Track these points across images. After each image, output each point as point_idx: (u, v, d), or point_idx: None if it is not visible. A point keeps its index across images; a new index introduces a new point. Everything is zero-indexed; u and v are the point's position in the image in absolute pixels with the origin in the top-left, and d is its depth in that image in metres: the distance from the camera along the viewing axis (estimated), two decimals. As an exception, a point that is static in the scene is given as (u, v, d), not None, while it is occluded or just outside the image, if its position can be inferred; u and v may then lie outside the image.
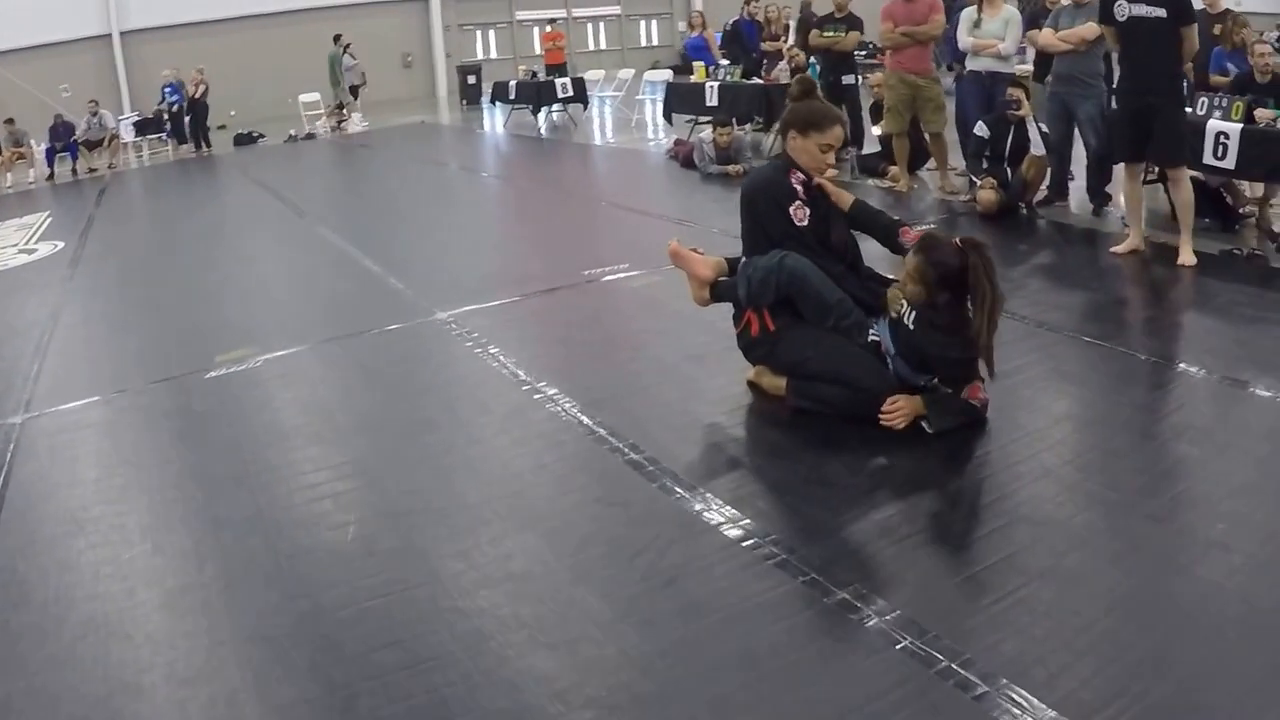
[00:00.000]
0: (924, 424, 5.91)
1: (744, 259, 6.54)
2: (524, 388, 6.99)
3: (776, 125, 13.24)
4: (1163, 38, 9.20)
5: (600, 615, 4.37)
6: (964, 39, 12.90)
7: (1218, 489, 5.23)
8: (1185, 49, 9.39)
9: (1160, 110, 9.31)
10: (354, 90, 30.75)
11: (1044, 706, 3.64)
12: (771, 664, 3.97)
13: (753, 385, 6.70)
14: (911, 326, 5.99)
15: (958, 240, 5.94)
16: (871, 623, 4.18)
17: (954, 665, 3.88)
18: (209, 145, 26.22)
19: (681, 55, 25.22)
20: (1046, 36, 11.58)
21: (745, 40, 21.95)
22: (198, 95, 26.50)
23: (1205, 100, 10.13)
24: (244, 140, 26.90)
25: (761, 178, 6.66)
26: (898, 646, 4.02)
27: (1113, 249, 9.99)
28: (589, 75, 27.26)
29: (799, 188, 6.41)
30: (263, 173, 20.52)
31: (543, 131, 24.19)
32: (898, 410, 5.92)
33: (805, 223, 6.37)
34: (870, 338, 6.15)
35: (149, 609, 4.69)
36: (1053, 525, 4.96)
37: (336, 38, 29.91)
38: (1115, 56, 10.70)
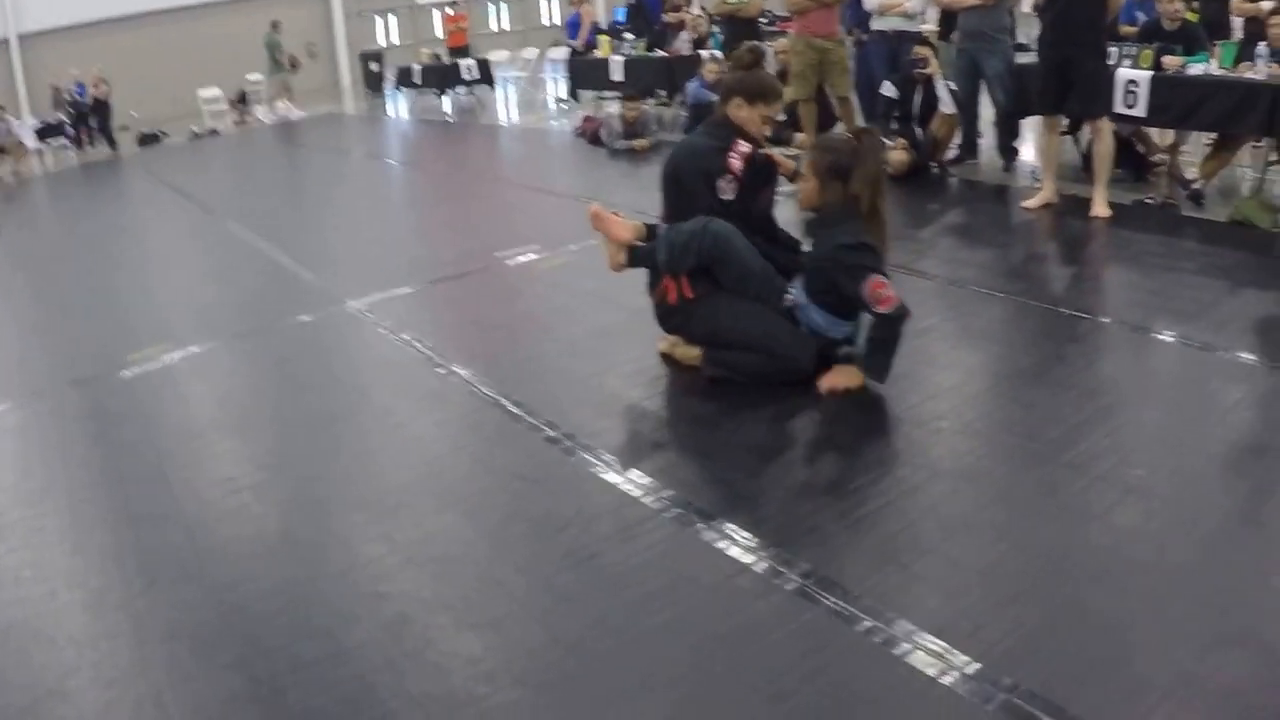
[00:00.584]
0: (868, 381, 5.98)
1: (663, 225, 6.49)
2: (439, 371, 6.95)
3: (681, 97, 13.09)
4: None
5: (525, 593, 4.35)
6: (869, -1, 12.85)
7: (1135, 437, 5.29)
8: (1112, 3, 9.50)
9: (1081, 62, 9.38)
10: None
11: (968, 659, 3.66)
12: (697, 635, 3.96)
13: (666, 356, 6.70)
14: (810, 248, 6.09)
15: (849, 132, 6.05)
16: (793, 586, 4.18)
17: (878, 624, 3.89)
18: (115, 145, 25.87)
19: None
20: (952, -8, 11.59)
21: (648, 13, 21.88)
22: (102, 96, 26.19)
23: (1115, 49, 10.17)
24: (148, 140, 26.47)
25: (693, 150, 6.54)
26: (822, 607, 4.02)
27: (1025, 203, 10.09)
28: (493, 56, 27.10)
29: (736, 160, 6.33)
30: (168, 171, 20.25)
31: (449, 115, 24.06)
32: (836, 387, 5.96)
33: (730, 197, 6.33)
34: (788, 302, 6.13)
35: (72, 611, 4.59)
36: (973, 478, 5.01)
37: (274, 24, 29.64)
38: (1015, 12, 10.81)
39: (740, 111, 6.44)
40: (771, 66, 16.25)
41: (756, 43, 7.63)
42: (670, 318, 6.49)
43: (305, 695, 3.82)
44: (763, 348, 6.10)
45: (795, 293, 6.15)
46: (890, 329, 5.85)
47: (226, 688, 3.93)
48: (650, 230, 6.54)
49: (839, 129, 14.01)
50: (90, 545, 5.18)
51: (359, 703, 3.75)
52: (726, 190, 6.31)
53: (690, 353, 6.50)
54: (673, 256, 6.18)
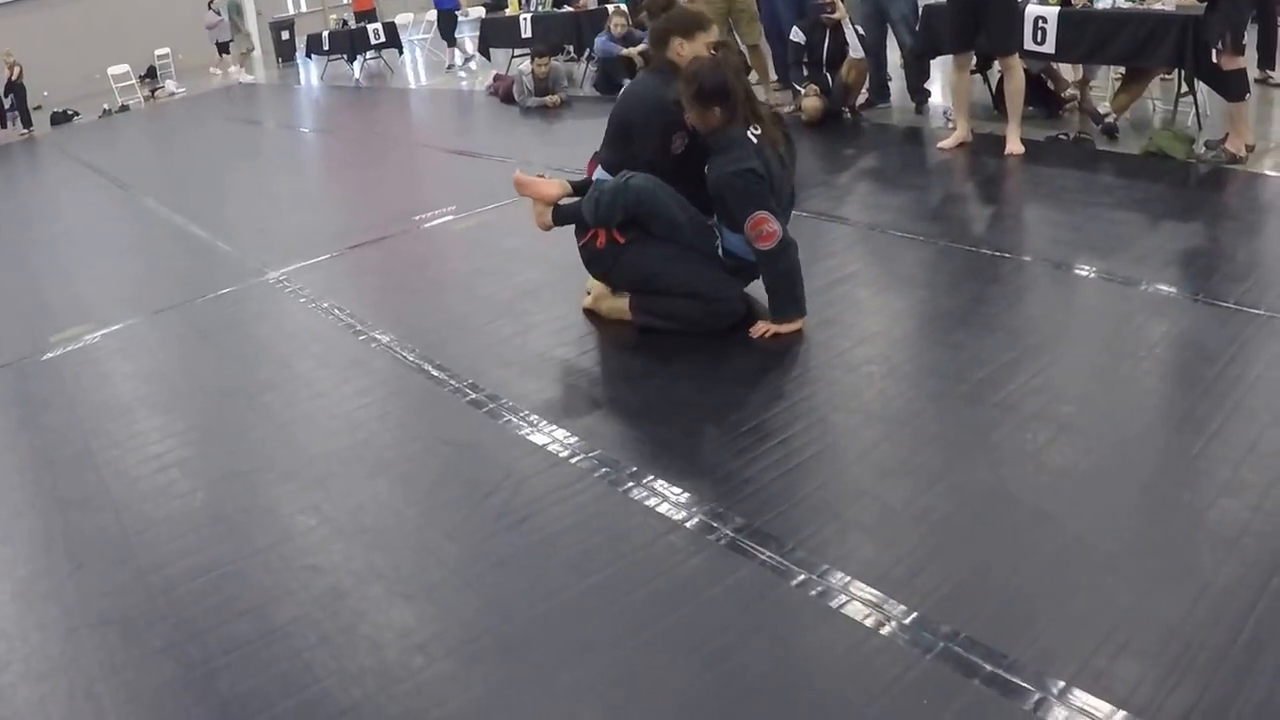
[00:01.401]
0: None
1: (595, 177, 6.40)
2: (360, 338, 6.83)
3: (589, 52, 12.95)
4: None
5: (456, 560, 4.26)
6: (776, -56, 12.69)
7: (1063, 374, 5.25)
8: None
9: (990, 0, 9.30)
10: (226, 45, 30.57)
11: (905, 608, 3.61)
12: (633, 595, 3.88)
13: (589, 313, 6.61)
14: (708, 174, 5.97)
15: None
16: (726, 540, 4.11)
17: (813, 576, 3.83)
18: (30, 124, 25.48)
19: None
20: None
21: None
22: (14, 77, 25.80)
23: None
24: (60, 119, 26.06)
25: (649, 97, 6.31)
26: (756, 561, 3.96)
27: (940, 144, 10.06)
28: (399, 19, 26.82)
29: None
30: (82, 149, 19.91)
31: (360, 80, 23.80)
32: (766, 333, 5.94)
33: (679, 151, 6.23)
34: (716, 246, 6.09)
35: (1, 601, 4.46)
36: (903, 422, 4.97)
37: None
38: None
39: (683, 49, 6.27)
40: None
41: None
42: (598, 261, 6.35)
43: (238, 678, 3.71)
44: (691, 290, 6.03)
45: (718, 230, 6.11)
46: (775, 265, 5.86)
47: (159, 674, 3.82)
48: (576, 187, 6.41)
49: (752, 78, 14.00)
50: (17, 532, 5.05)
51: (293, 682, 3.64)
52: (678, 145, 6.21)
53: (618, 304, 6.41)
54: (598, 215, 6.08)
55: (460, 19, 24.40)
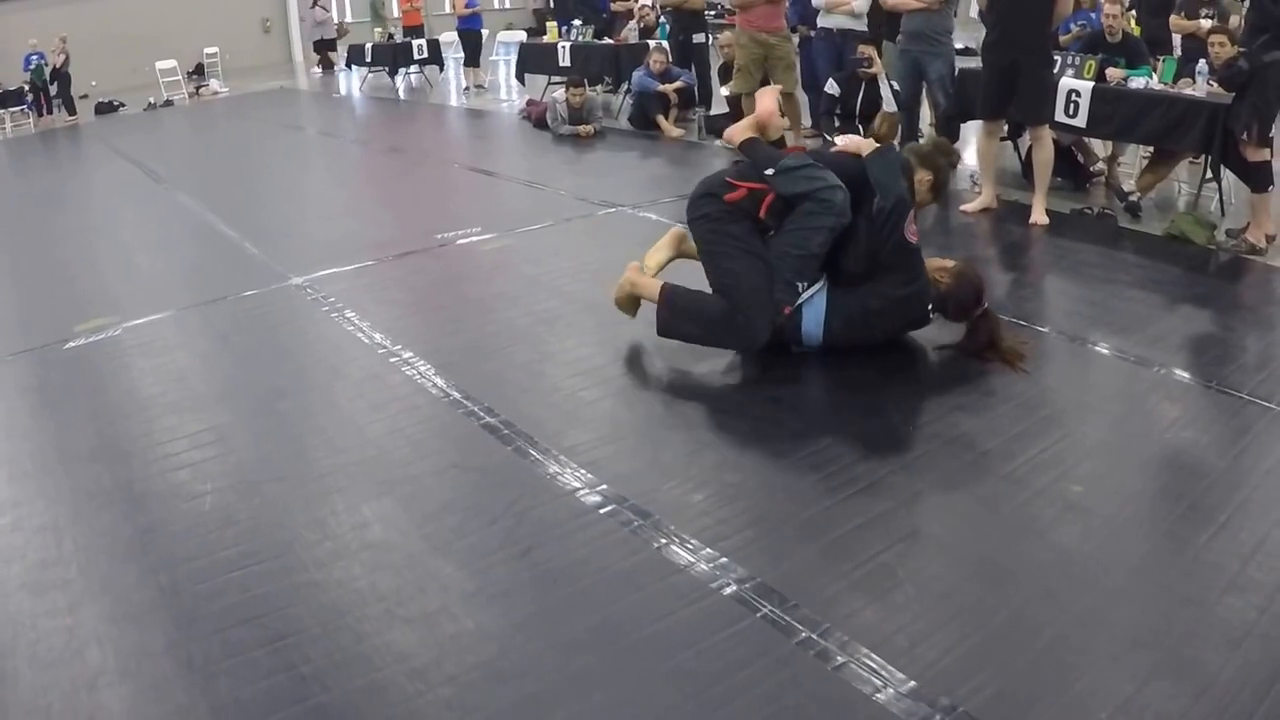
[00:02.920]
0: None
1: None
2: (379, 352, 6.84)
3: (626, 85, 13.04)
4: None
5: (458, 587, 4.27)
6: (816, -4, 12.74)
7: (1073, 450, 5.25)
8: (1059, 9, 9.38)
9: (1026, 67, 9.30)
10: (331, 44, 30.68)
11: (904, 676, 3.62)
12: (631, 636, 3.90)
13: (621, 302, 6.64)
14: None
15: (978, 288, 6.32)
16: (730, 590, 4.12)
17: (814, 635, 3.85)
18: (75, 112, 25.52)
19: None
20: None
21: (594, 1, 21.74)
22: (60, 65, 25.86)
23: (1059, 58, 10.13)
24: (105, 109, 26.04)
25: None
26: (758, 615, 3.97)
27: (964, 207, 10.04)
28: (444, 37, 26.83)
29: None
30: (123, 141, 19.89)
31: (400, 94, 23.84)
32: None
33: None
34: (796, 290, 6.11)
35: (10, 588, 4.48)
36: (913, 490, 4.94)
37: None
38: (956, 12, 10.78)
39: (922, 181, 6.51)
40: (715, 59, 16.26)
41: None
42: (710, 204, 6.32)
43: (236, 684, 3.74)
44: (732, 287, 6.10)
45: (810, 298, 6.16)
46: None
47: (160, 672, 3.85)
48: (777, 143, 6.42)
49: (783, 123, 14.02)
50: (29, 521, 5.06)
51: (289, 695, 3.67)
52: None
53: (651, 285, 6.44)
54: (795, 172, 6.12)
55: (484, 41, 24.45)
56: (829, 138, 11.82)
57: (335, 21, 30.54)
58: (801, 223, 6.05)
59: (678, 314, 6.27)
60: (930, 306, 6.25)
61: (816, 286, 6.17)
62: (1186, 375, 6.10)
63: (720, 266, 6.17)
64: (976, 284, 6.32)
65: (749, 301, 6.05)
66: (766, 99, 6.48)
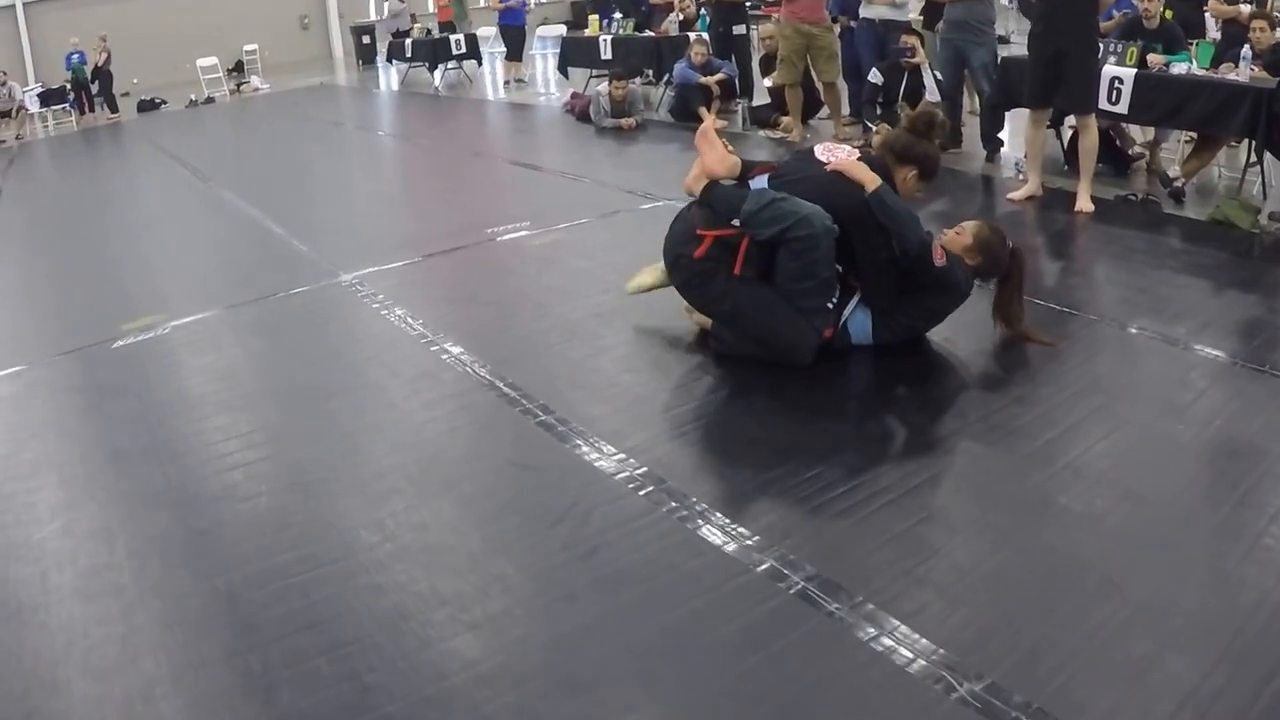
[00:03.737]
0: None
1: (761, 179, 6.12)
2: (432, 349, 6.71)
3: (668, 77, 12.97)
4: None
5: (522, 590, 4.14)
6: (859, -13, 12.63)
7: (1129, 439, 5.14)
8: None
9: (1072, 56, 9.17)
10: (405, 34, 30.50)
11: (933, 645, 3.59)
12: (702, 640, 3.77)
13: (704, 334, 6.50)
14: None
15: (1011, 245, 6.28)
16: (798, 589, 3.98)
17: (882, 633, 3.71)
18: (116, 110, 25.62)
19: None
20: (943, -16, 11.41)
21: (633, -6, 21.71)
22: (102, 63, 25.94)
23: (1100, 46, 9.95)
24: (146, 106, 26.15)
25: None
26: (826, 613, 3.84)
27: (1010, 195, 9.92)
28: (481, 32, 26.78)
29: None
30: (165, 138, 19.92)
31: (439, 89, 23.77)
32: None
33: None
34: (826, 305, 5.95)
35: (62, 594, 4.36)
36: (970, 479, 4.89)
37: None
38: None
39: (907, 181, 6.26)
40: (757, 51, 16.17)
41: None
42: (684, 270, 6.13)
43: (299, 694, 3.60)
44: (765, 339, 5.94)
45: (851, 313, 6.08)
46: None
47: (219, 682, 3.72)
48: (742, 175, 6.22)
49: (823, 113, 13.91)
50: (80, 525, 4.95)
51: (354, 704, 3.53)
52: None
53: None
54: (759, 215, 5.81)
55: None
56: (871, 125, 11.84)
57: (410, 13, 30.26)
58: (796, 262, 5.81)
59: (726, 348, 6.16)
60: (973, 284, 6.20)
61: (854, 301, 6.07)
62: (1236, 360, 5.96)
63: (745, 326, 6.01)
64: (1000, 244, 6.25)
65: (784, 340, 5.92)
66: (707, 149, 6.25)
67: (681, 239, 6.13)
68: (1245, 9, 11.86)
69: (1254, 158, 9.63)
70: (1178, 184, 9.68)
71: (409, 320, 7.27)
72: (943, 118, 6.69)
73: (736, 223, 5.90)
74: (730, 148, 6.27)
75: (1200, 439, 5.15)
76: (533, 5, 24.23)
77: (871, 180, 5.89)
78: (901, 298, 6.06)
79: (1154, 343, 6.30)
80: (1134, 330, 6.46)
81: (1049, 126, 10.67)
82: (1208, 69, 9.73)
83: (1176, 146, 11.13)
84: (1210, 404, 5.52)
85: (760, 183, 6.05)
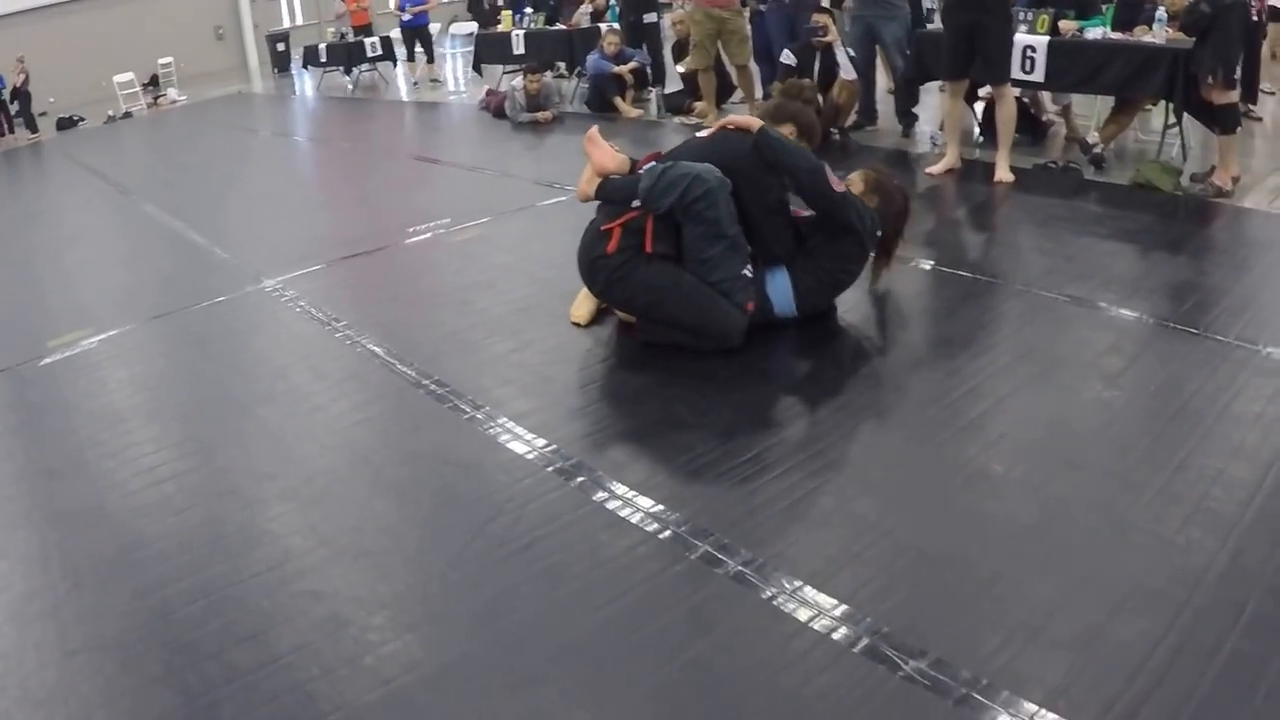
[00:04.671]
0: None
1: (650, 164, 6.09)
2: (357, 350, 6.60)
3: (579, 69, 12.85)
4: None
5: (461, 588, 4.04)
6: (768, -34, 12.51)
7: (1054, 405, 5.15)
8: None
9: (988, 28, 9.17)
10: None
11: (876, 623, 3.58)
12: (643, 629, 3.71)
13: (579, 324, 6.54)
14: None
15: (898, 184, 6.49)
16: (734, 571, 3.93)
17: (821, 612, 3.66)
18: (36, 129, 25.32)
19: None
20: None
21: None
22: (20, 84, 25.63)
23: (1013, 14, 9.92)
24: (65, 124, 25.81)
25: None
26: (765, 596, 3.80)
27: (929, 169, 9.93)
28: (395, 34, 26.60)
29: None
30: (85, 155, 19.61)
31: (355, 92, 23.57)
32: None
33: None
34: (743, 270, 5.90)
35: (-2, 620, 4.24)
36: (874, 445, 4.95)
37: None
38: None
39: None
40: (669, 37, 16.12)
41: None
42: (603, 272, 6.06)
43: (241, 710, 3.49)
44: (690, 325, 5.87)
45: (769, 278, 6.06)
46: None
47: (159, 703, 3.59)
48: (632, 165, 6.20)
49: (737, 98, 13.84)
50: (14, 547, 4.79)
51: (297, 715, 3.42)
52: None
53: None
54: (655, 187, 5.78)
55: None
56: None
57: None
58: (700, 226, 5.79)
59: (658, 336, 6.08)
60: (878, 225, 6.25)
61: (771, 270, 6.07)
62: (1163, 321, 5.98)
63: (668, 313, 5.95)
64: (890, 181, 6.46)
65: (714, 327, 5.87)
66: (595, 150, 6.24)
67: (591, 244, 6.11)
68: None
69: (1173, 119, 9.67)
70: (1097, 150, 9.72)
71: (333, 322, 7.14)
72: (812, 86, 6.85)
73: (636, 204, 5.89)
74: (616, 147, 6.25)
75: (1136, 404, 5.13)
76: (434, 4, 24.01)
77: (756, 123, 6.02)
78: (812, 250, 6.10)
79: (1083, 309, 6.28)
80: (1062, 298, 6.43)
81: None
82: (1110, 31, 9.82)
83: (1091, 111, 11.14)
84: (1144, 369, 5.51)
85: (651, 164, 6.05)
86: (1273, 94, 12.80)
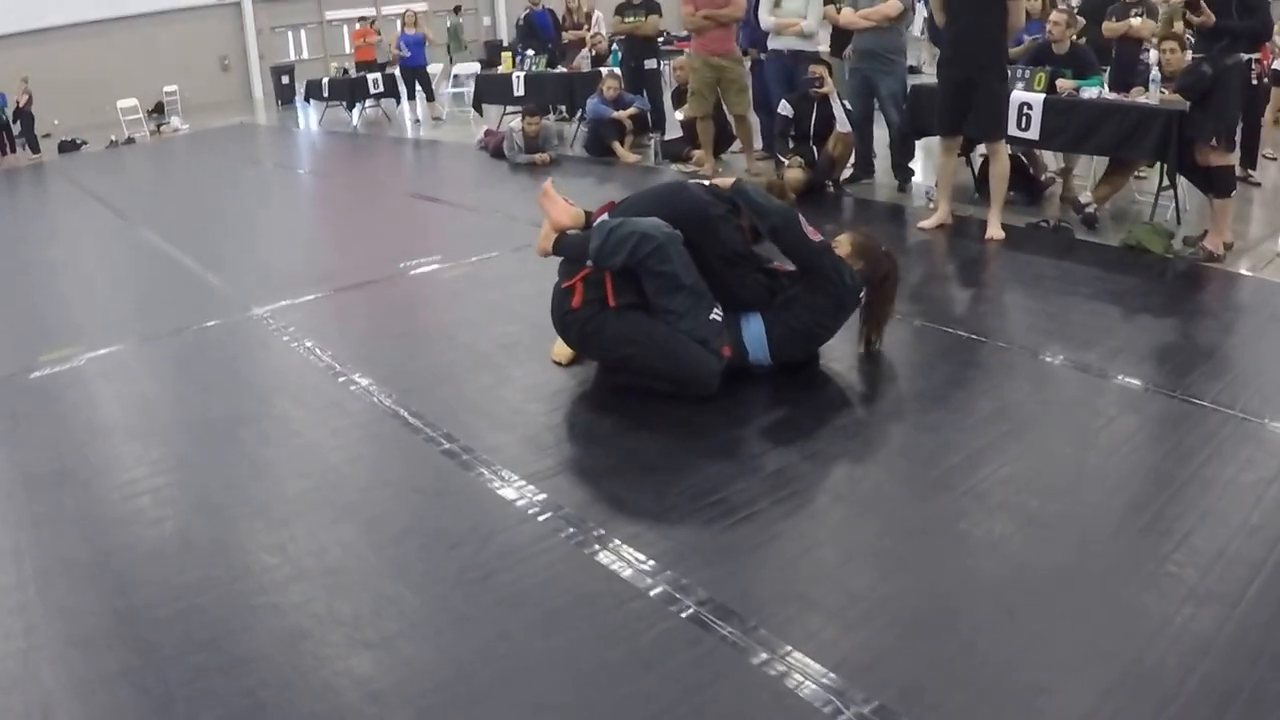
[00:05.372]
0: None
1: (603, 216, 6.24)
2: (339, 380, 6.74)
3: (580, 112, 12.99)
4: (989, 11, 9.11)
5: (418, 612, 4.18)
6: (765, 18, 12.68)
7: (1033, 465, 5.19)
8: (1011, 22, 9.35)
9: (981, 84, 9.27)
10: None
11: (863, 695, 3.54)
12: (593, 661, 3.82)
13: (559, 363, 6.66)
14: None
15: (884, 248, 6.54)
16: (690, 613, 4.03)
17: (774, 656, 3.76)
18: (38, 150, 25.46)
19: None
20: (848, 15, 11.52)
21: (539, 31, 21.68)
22: (23, 104, 25.78)
23: (1009, 72, 10.05)
24: (68, 147, 25.87)
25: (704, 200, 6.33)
26: (719, 637, 3.88)
27: (921, 224, 10.00)
28: (398, 71, 26.77)
29: None
30: (86, 178, 19.72)
31: (357, 127, 23.76)
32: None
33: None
34: (710, 318, 5.98)
35: (-33, 614, 4.37)
36: (871, 505, 4.92)
37: (456, 8, 30.28)
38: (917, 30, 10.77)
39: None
40: (670, 83, 16.27)
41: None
42: (574, 327, 6.21)
43: (194, 710, 3.63)
44: (664, 375, 5.98)
45: (745, 326, 6.13)
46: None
47: (116, 698, 3.75)
48: (588, 218, 6.34)
49: (735, 147, 13.98)
50: (-12, 547, 4.95)
51: None
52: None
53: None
54: (604, 248, 5.88)
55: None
56: (783, 159, 11.85)
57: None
58: (656, 280, 5.90)
59: (626, 380, 6.21)
60: (861, 287, 6.31)
61: (746, 317, 6.15)
62: (1146, 385, 6.06)
63: (640, 365, 6.05)
64: (876, 247, 6.53)
65: (687, 375, 5.95)
66: (550, 206, 6.39)
67: (559, 302, 6.24)
68: (1136, 23, 12.03)
69: (1167, 182, 9.77)
70: (1090, 210, 9.83)
71: (317, 352, 7.28)
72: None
73: (590, 263, 5.99)
74: (572, 201, 6.46)
75: (1107, 464, 5.21)
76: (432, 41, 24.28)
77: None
78: (790, 299, 6.16)
79: (1064, 369, 6.37)
80: (1045, 357, 6.54)
81: (959, 154, 10.83)
82: (1104, 91, 9.98)
83: (1090, 173, 11.28)
84: (1120, 430, 5.59)
85: (601, 219, 6.18)
86: (1274, 159, 12.97)
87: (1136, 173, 10.94)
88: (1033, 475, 5.05)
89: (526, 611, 4.11)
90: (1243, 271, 8.37)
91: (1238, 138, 9.37)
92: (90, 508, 5.29)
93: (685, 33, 15.16)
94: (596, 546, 4.55)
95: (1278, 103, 13.84)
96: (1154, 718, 3.37)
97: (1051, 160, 11.43)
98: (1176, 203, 9.91)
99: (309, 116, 27.53)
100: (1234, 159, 8.70)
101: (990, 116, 9.47)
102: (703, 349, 5.93)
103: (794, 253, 6.15)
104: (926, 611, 4.02)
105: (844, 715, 3.43)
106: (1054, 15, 11.04)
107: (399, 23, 23.90)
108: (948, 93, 9.57)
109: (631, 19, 15.70)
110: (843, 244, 6.40)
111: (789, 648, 3.78)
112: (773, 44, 12.94)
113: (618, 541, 4.58)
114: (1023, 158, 10.86)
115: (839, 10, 11.66)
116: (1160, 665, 3.63)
